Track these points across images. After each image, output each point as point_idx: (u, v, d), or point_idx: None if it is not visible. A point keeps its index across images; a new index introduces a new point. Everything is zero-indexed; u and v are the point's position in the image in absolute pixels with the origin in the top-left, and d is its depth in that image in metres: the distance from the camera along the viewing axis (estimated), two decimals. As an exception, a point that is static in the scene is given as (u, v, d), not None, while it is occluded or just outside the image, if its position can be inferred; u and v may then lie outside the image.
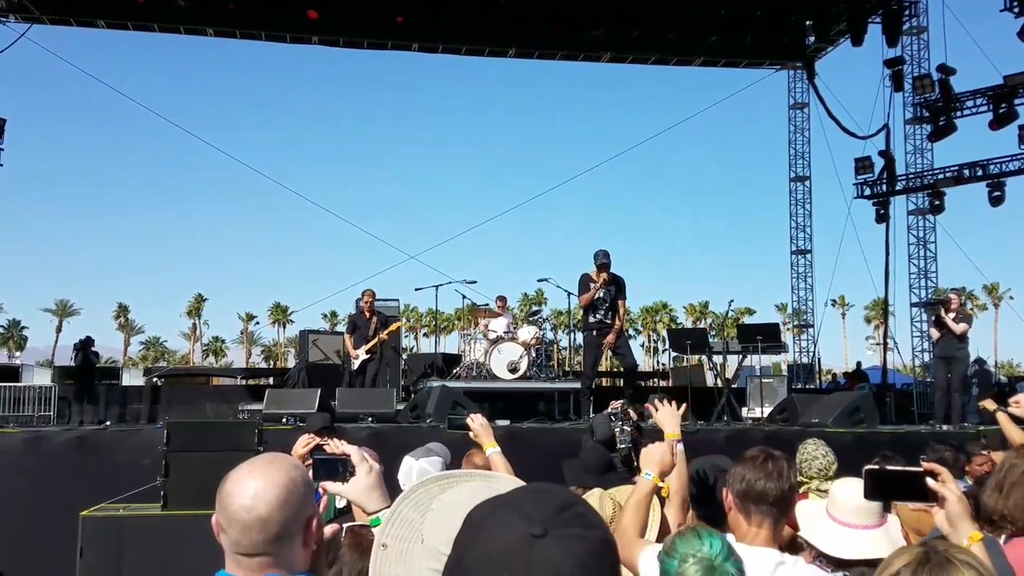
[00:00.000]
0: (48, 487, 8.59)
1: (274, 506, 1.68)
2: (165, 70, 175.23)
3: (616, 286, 10.88)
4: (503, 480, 1.42)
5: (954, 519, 1.99)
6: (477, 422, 3.74)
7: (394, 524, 1.41)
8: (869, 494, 2.15)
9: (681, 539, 2.21)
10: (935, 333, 12.16)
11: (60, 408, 13.72)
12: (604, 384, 20.51)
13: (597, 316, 10.84)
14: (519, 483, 1.38)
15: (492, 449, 3.62)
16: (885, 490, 2.15)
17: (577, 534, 1.02)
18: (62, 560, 7.09)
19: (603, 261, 10.72)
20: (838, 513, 2.86)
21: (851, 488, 2.87)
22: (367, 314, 12.96)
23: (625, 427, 5.83)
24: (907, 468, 2.12)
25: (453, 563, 1.06)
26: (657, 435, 3.45)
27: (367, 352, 12.68)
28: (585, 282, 10.85)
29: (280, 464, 1.77)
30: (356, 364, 12.86)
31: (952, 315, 11.65)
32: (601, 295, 10.76)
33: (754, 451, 2.77)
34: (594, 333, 10.93)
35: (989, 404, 6.41)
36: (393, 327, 12.85)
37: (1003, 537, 2.99)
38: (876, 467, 2.19)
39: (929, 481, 2.03)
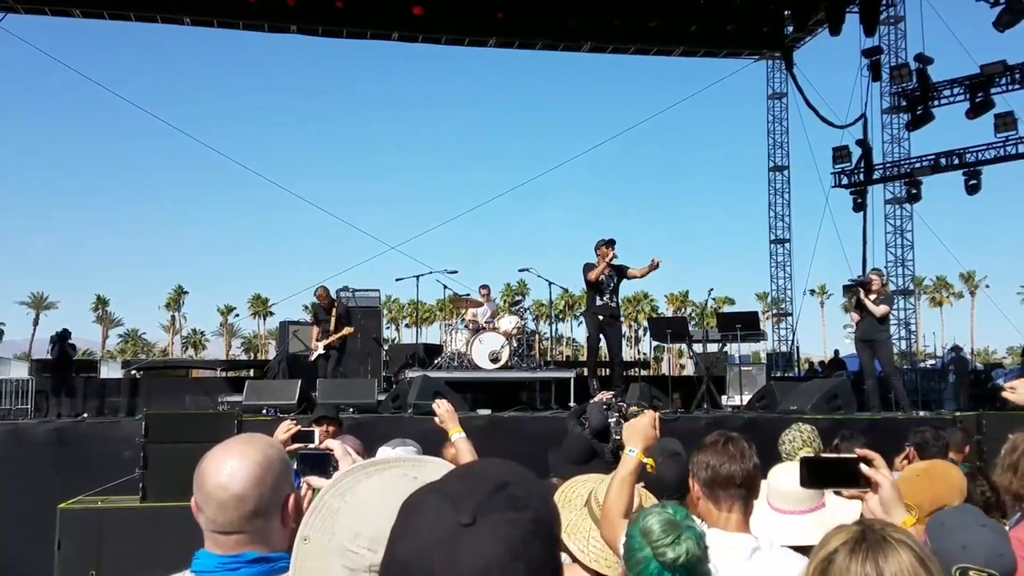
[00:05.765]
0: (26, 480, 8.52)
1: (249, 483, 1.69)
2: (144, 61, 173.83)
3: (619, 269, 10.89)
4: (431, 465, 1.38)
5: (887, 505, 2.01)
6: (443, 408, 3.70)
7: (318, 515, 1.36)
8: (805, 482, 2.16)
9: (647, 508, 2.25)
10: (855, 316, 11.41)
11: (37, 401, 13.64)
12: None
13: (603, 299, 10.85)
14: (450, 467, 1.35)
15: (457, 435, 3.60)
16: (820, 478, 2.17)
17: (506, 518, 1.00)
18: (40, 553, 7.05)
19: (610, 239, 10.74)
20: (774, 500, 2.87)
21: (784, 474, 2.88)
22: (324, 310, 12.92)
23: (620, 419, 5.86)
24: (841, 455, 2.15)
25: (387, 555, 1.04)
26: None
27: (324, 348, 12.64)
28: (590, 264, 10.83)
29: (256, 443, 1.78)
30: (312, 357, 12.84)
31: (873, 296, 11.06)
32: (604, 279, 10.75)
33: (713, 436, 2.74)
34: (600, 317, 10.89)
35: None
36: (343, 333, 12.72)
37: (1016, 516, 3.02)
38: (811, 456, 2.21)
39: (863, 467, 2.05)
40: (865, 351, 11.39)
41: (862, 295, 11.13)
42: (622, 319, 10.93)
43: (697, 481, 2.69)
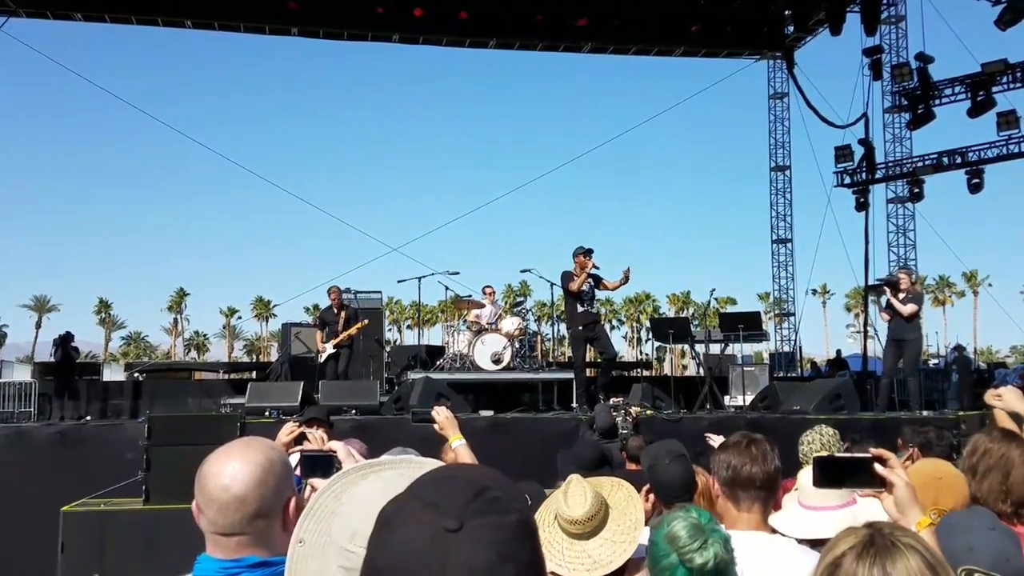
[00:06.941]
0: (29, 483, 8.52)
1: (251, 485, 1.70)
2: (145, 64, 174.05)
3: (595, 278, 10.92)
4: (429, 467, 1.38)
5: (902, 505, 1.99)
6: (442, 415, 3.62)
7: (313, 518, 1.36)
8: (818, 482, 2.14)
9: (671, 512, 2.24)
10: (885, 316, 11.35)
11: (40, 404, 13.63)
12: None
13: (583, 307, 10.85)
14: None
15: (458, 442, 3.52)
16: (834, 478, 2.14)
17: (493, 523, 0.98)
18: (43, 555, 7.04)
19: (589, 248, 10.77)
20: (804, 499, 2.88)
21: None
22: (335, 309, 12.94)
23: (627, 418, 5.96)
24: (855, 455, 2.12)
25: (367, 565, 1.02)
26: (655, 428, 3.44)
27: (333, 347, 12.63)
28: (569, 274, 10.84)
29: (257, 445, 1.79)
30: (322, 359, 12.81)
31: (901, 295, 11.00)
32: (585, 288, 10.77)
33: (736, 436, 2.74)
34: (580, 328, 10.88)
35: (991, 397, 6.28)
36: (354, 329, 12.69)
37: None
38: (825, 455, 2.19)
39: (877, 467, 2.03)
40: (893, 350, 11.37)
41: (889, 294, 11.11)
42: (611, 323, 10.97)
43: (717, 480, 2.69)
